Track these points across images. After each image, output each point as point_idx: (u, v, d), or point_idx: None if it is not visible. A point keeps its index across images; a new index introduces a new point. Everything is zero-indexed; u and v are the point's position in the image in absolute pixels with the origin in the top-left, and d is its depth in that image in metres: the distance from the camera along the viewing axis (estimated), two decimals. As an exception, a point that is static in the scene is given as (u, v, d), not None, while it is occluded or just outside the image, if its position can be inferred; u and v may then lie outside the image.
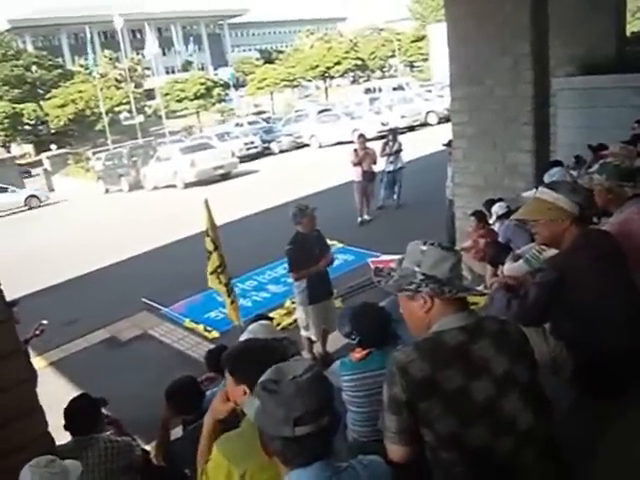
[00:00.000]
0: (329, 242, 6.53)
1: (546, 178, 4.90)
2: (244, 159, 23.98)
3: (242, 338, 3.08)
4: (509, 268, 3.55)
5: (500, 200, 5.88)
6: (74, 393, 3.99)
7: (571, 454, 2.01)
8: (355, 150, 11.35)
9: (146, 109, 44.81)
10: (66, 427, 3.23)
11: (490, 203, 5.96)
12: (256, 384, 1.87)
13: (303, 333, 6.01)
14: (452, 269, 1.79)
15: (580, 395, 2.52)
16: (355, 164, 11.25)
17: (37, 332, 5.22)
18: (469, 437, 1.66)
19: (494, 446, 1.68)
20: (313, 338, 5.97)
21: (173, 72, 56.24)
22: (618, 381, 2.40)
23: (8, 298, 2.98)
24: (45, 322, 5.31)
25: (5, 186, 23.55)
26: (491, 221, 5.87)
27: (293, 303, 6.88)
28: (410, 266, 1.83)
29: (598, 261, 2.45)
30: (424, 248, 1.82)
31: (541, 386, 1.84)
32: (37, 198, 24.02)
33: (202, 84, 42.67)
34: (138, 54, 49.50)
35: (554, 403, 1.88)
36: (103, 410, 3.48)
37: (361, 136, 11.86)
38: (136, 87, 43.42)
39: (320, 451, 1.49)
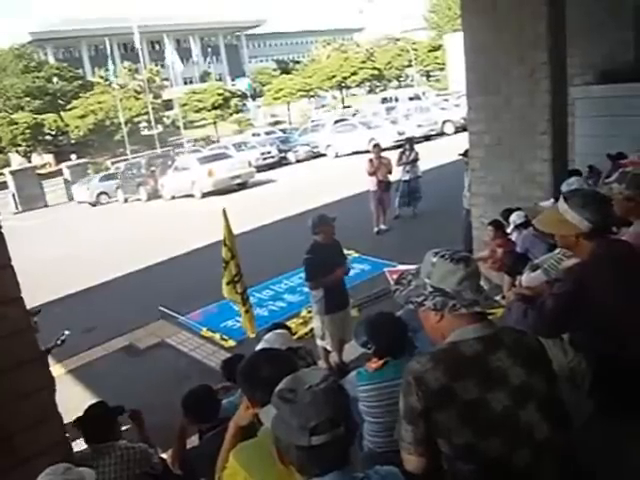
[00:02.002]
0: (345, 251, 6.53)
1: (564, 187, 4.88)
2: (261, 169, 24.09)
3: (258, 347, 3.09)
4: (527, 278, 3.53)
5: (518, 209, 5.85)
6: (92, 400, 4.03)
7: (588, 468, 1.99)
8: (370, 160, 11.34)
9: (164, 119, 45.30)
10: (82, 434, 3.25)
11: (508, 212, 5.93)
12: (258, 397, 1.90)
13: (319, 342, 6.00)
14: (461, 282, 1.76)
15: (599, 408, 2.48)
16: (370, 174, 11.23)
17: (59, 342, 5.17)
18: (486, 448, 1.65)
19: (511, 458, 1.67)
20: (329, 348, 5.96)
21: (191, 83, 56.81)
22: (638, 394, 2.37)
23: (29, 306, 3.02)
24: (67, 332, 5.29)
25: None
26: (509, 230, 5.84)
27: (309, 312, 6.88)
28: (423, 277, 1.84)
29: (617, 271, 2.42)
30: (434, 260, 1.81)
31: (559, 398, 1.82)
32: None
33: (220, 95, 43.06)
34: (157, 65, 50.10)
35: (572, 415, 1.86)
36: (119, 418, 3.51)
37: (376, 146, 11.86)
38: (155, 98, 43.92)
39: (336, 460, 1.49)
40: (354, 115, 32.85)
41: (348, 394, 1.62)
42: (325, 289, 5.67)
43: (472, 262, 1.81)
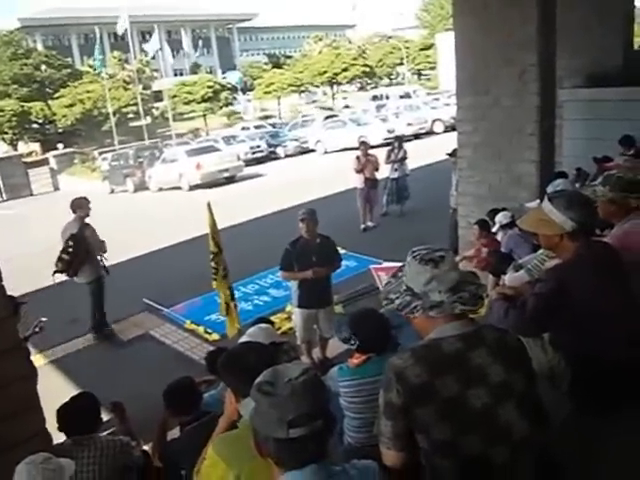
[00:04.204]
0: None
1: (549, 189, 4.91)
2: (250, 163, 24.03)
3: (241, 341, 3.09)
4: (510, 278, 3.57)
5: (504, 210, 5.89)
6: (73, 391, 4.00)
7: (564, 466, 2.01)
8: (357, 157, 11.38)
9: (153, 111, 44.92)
10: (61, 426, 3.21)
11: (494, 212, 5.98)
12: (242, 389, 1.90)
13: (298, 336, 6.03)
14: (427, 283, 1.75)
15: (577, 407, 2.51)
16: (357, 171, 11.26)
17: (36, 329, 5.10)
18: (464, 445, 1.67)
19: (489, 455, 1.68)
20: (298, 342, 5.93)
21: (181, 74, 56.42)
22: (616, 394, 2.40)
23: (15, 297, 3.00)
24: (44, 319, 5.22)
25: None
26: (494, 230, 5.88)
27: (293, 307, 6.89)
28: (403, 275, 1.85)
29: (599, 273, 2.45)
30: (409, 259, 1.82)
31: (539, 397, 1.84)
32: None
33: (210, 87, 42.76)
34: (147, 56, 49.68)
35: (550, 414, 1.88)
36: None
37: (363, 143, 11.89)
38: (144, 89, 43.55)
39: (314, 454, 1.50)
40: (346, 107, 32.71)
41: (328, 388, 1.63)
42: (299, 283, 5.67)
43: (444, 263, 1.76)
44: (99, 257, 7.54)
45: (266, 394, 1.49)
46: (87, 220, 7.53)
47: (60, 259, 7.25)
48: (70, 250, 7.20)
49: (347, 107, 42.19)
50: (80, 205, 7.58)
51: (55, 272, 7.31)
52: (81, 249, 7.23)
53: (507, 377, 1.72)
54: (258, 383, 1.53)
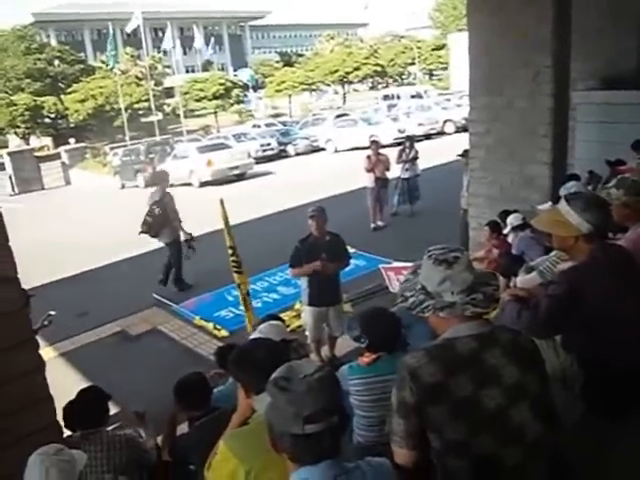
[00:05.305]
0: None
1: (562, 191, 4.89)
2: (260, 160, 24.05)
3: (252, 337, 3.10)
4: (522, 280, 3.55)
5: (515, 211, 5.87)
6: (82, 384, 4.03)
7: (576, 468, 2.01)
8: (368, 156, 11.37)
9: (165, 107, 45.01)
10: (68, 420, 3.23)
11: (505, 214, 5.95)
12: (254, 384, 1.90)
13: (308, 334, 6.04)
14: (441, 283, 1.76)
15: (589, 409, 2.50)
16: (368, 170, 11.26)
17: (45, 322, 5.10)
18: (476, 445, 1.67)
19: (501, 456, 1.68)
20: (308, 341, 5.96)
21: (193, 71, 56.51)
22: (627, 398, 2.39)
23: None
24: (53, 312, 5.21)
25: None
26: (505, 231, 5.86)
27: (302, 305, 6.90)
28: (419, 273, 1.86)
29: (613, 276, 2.44)
30: (424, 258, 1.83)
31: (552, 398, 1.83)
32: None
33: (221, 84, 42.84)
34: (159, 52, 49.83)
35: (562, 416, 1.88)
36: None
37: (374, 142, 11.87)
38: (156, 85, 43.65)
39: (329, 450, 1.51)
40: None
41: (342, 385, 1.63)
42: (308, 280, 5.68)
43: (458, 264, 1.76)
44: (176, 223, 8.85)
45: (282, 390, 1.49)
46: (167, 190, 9.07)
47: (144, 222, 8.71)
48: (153, 214, 8.63)
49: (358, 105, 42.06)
50: (161, 177, 9.39)
51: (140, 232, 8.78)
52: (162, 214, 8.61)
53: (521, 378, 1.72)
54: (274, 379, 1.54)
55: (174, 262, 8.93)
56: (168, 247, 8.93)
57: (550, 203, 5.36)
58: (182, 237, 8.92)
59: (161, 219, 8.63)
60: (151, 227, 8.69)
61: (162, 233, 8.76)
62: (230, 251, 6.10)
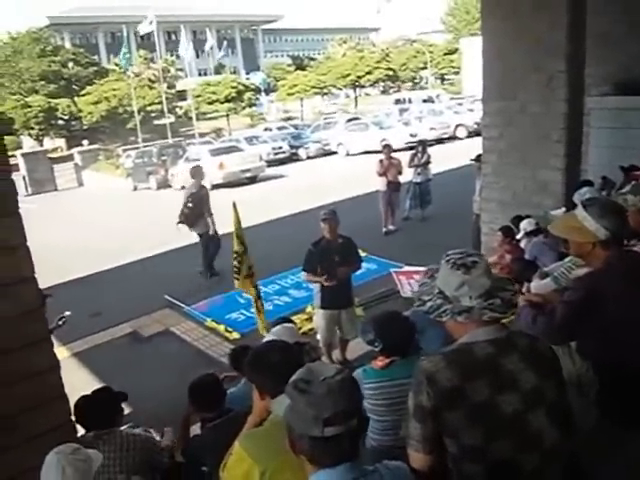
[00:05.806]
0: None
1: (576, 197, 4.88)
2: (271, 163, 24.13)
3: (266, 339, 3.11)
4: (537, 285, 3.54)
5: (528, 217, 5.85)
6: (95, 384, 4.06)
7: (592, 474, 2.00)
8: (380, 160, 11.37)
9: (177, 110, 45.26)
10: (80, 420, 3.24)
11: (518, 219, 5.93)
12: (269, 387, 1.91)
13: (320, 337, 6.04)
14: (458, 288, 1.75)
15: (604, 416, 2.49)
16: (380, 174, 11.26)
17: (60, 323, 5.10)
18: (493, 450, 1.67)
19: (518, 461, 1.68)
20: (319, 344, 5.96)
21: (205, 74, 56.81)
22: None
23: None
24: (68, 313, 5.22)
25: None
26: (518, 237, 5.84)
27: (314, 309, 6.91)
28: (437, 277, 1.86)
29: (630, 282, 2.43)
30: (442, 262, 1.82)
31: (569, 405, 1.83)
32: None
33: (233, 88, 42.95)
34: (172, 55, 50.14)
35: (578, 422, 1.87)
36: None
37: (386, 146, 11.86)
38: (169, 88, 43.85)
39: (348, 452, 1.51)
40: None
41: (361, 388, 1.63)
42: (321, 284, 5.69)
43: (476, 268, 1.76)
44: (209, 217, 9.51)
45: (302, 392, 1.50)
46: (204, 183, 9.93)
47: (182, 212, 9.47)
48: (190, 205, 9.36)
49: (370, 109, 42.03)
50: (197, 172, 9.87)
51: (178, 222, 9.53)
52: (198, 205, 9.36)
53: (539, 384, 1.72)
54: (294, 381, 1.55)
55: (204, 251, 9.68)
56: (200, 237, 9.66)
57: (564, 209, 5.34)
58: (211, 231, 9.56)
59: (197, 210, 9.36)
60: (187, 218, 9.42)
61: (197, 224, 9.48)
62: (234, 255, 6.08)
